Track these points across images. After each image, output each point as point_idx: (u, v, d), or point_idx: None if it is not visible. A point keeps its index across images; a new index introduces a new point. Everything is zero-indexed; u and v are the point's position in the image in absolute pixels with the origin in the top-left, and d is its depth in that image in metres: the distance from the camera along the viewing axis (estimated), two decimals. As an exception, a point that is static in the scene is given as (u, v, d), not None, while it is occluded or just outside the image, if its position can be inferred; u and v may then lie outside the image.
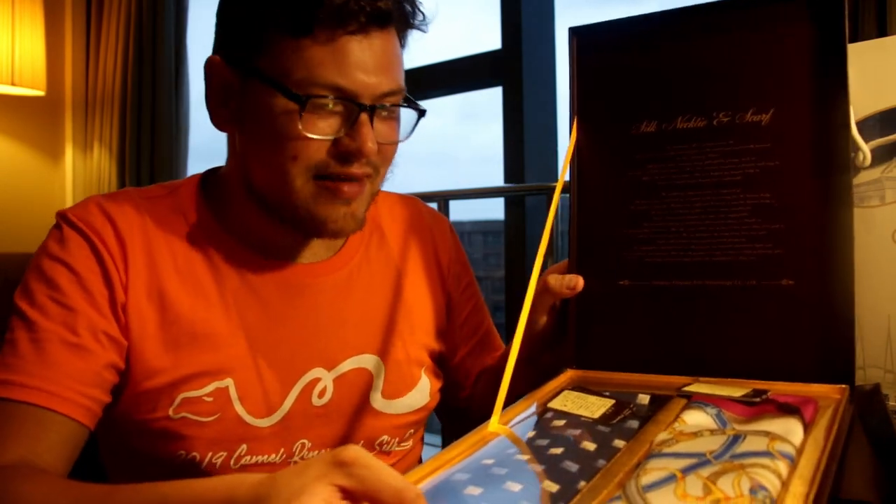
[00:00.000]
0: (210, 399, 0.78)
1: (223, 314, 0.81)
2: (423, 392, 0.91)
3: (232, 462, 0.80)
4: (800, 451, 0.53)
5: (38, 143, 2.74)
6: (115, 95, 2.55)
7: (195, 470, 0.79)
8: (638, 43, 0.80)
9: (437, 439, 1.86)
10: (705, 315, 0.74)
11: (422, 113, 0.83)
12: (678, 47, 0.78)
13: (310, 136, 0.74)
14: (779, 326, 0.71)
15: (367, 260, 0.92)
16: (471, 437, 0.60)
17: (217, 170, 0.89)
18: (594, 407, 0.66)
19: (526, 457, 0.57)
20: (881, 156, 0.77)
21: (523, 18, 1.95)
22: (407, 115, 0.83)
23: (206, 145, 2.77)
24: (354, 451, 0.47)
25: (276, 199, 0.79)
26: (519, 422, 0.65)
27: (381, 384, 0.88)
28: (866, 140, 0.76)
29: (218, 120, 0.82)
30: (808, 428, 0.57)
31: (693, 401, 0.64)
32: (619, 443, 0.58)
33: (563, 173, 0.82)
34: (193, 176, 0.89)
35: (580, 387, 0.72)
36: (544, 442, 0.59)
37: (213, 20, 0.83)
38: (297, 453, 0.83)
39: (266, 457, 0.81)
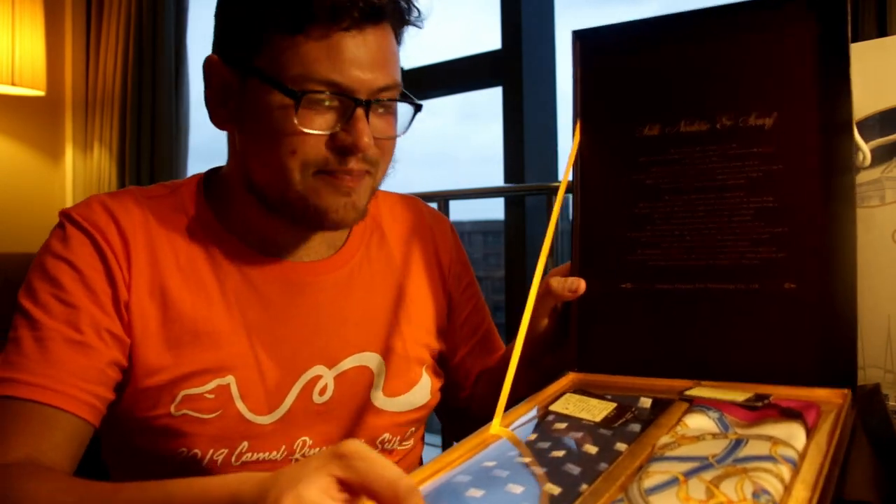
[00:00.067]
0: (211, 396, 0.78)
1: (225, 312, 0.81)
2: (423, 390, 0.91)
3: (233, 459, 0.80)
4: (802, 455, 0.53)
5: (38, 143, 2.74)
6: (115, 95, 2.55)
7: (196, 467, 0.79)
8: (641, 46, 0.80)
9: (438, 439, 1.87)
10: (708, 318, 0.74)
11: (418, 107, 0.83)
12: (681, 50, 0.78)
13: (306, 131, 0.75)
14: (781, 330, 0.70)
15: (367, 259, 0.92)
16: (472, 439, 0.60)
17: (218, 169, 0.90)
18: (596, 410, 0.66)
19: (527, 459, 0.57)
20: (881, 156, 0.77)
21: (523, 18, 1.96)
22: (405, 110, 0.84)
23: (206, 145, 2.77)
24: (354, 445, 0.48)
25: (277, 194, 0.79)
26: (520, 424, 0.64)
27: (381, 382, 0.88)
28: (866, 140, 0.76)
29: (217, 119, 0.83)
30: (810, 432, 0.57)
31: (695, 404, 0.64)
32: (620, 446, 0.58)
33: (566, 176, 0.82)
34: (195, 175, 0.89)
35: (582, 390, 0.72)
36: (546, 445, 0.59)
37: (212, 20, 0.83)
38: (298, 450, 0.83)
39: (267, 454, 0.81)
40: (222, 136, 0.87)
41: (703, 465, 0.51)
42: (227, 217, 0.85)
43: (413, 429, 0.92)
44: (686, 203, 0.76)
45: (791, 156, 0.72)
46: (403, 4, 0.80)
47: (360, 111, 0.76)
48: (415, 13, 0.82)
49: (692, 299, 0.75)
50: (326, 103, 0.76)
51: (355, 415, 0.86)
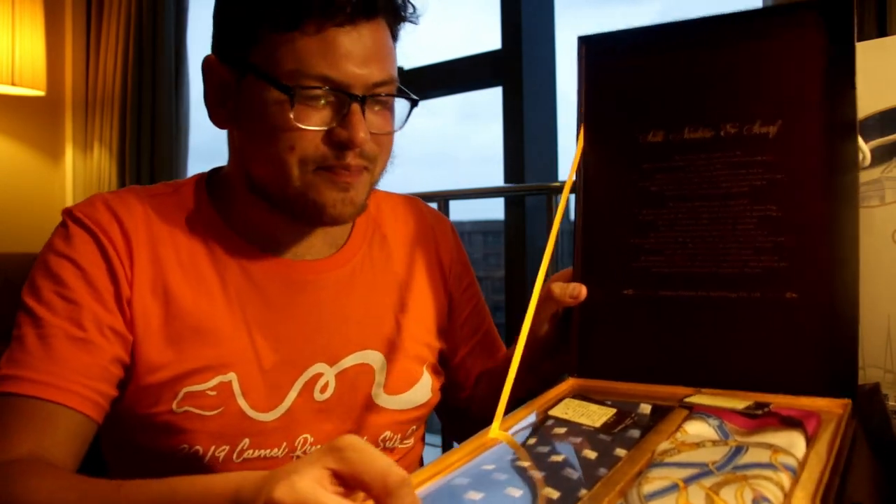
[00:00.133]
0: (213, 393, 0.79)
1: (226, 309, 0.82)
2: (424, 388, 0.92)
3: (234, 456, 0.80)
4: (802, 463, 0.53)
5: (38, 143, 2.75)
6: (115, 95, 2.55)
7: (198, 464, 0.79)
8: (646, 52, 0.80)
9: (438, 439, 1.87)
10: (709, 326, 0.74)
11: (415, 102, 0.84)
12: (686, 58, 0.78)
13: (302, 126, 0.75)
14: (782, 339, 0.70)
15: (369, 258, 0.93)
16: (471, 442, 0.60)
17: (220, 169, 0.90)
18: (595, 415, 0.66)
19: (526, 463, 0.57)
20: (881, 156, 0.77)
21: (523, 18, 1.96)
22: (402, 105, 0.84)
23: (206, 145, 2.77)
24: (349, 438, 0.48)
25: (277, 191, 0.80)
26: (520, 429, 0.64)
27: (383, 380, 0.88)
28: (866, 140, 0.76)
29: (217, 118, 0.83)
30: (810, 441, 0.57)
31: (695, 412, 0.64)
32: (620, 452, 0.58)
33: (569, 182, 0.81)
34: (198, 175, 0.90)
35: (582, 395, 0.71)
36: (545, 449, 0.59)
37: (212, 20, 0.83)
38: (299, 448, 0.83)
39: (268, 451, 0.82)
40: (222, 135, 0.87)
41: (703, 471, 0.51)
42: (228, 215, 0.86)
43: (414, 427, 0.92)
44: (690, 210, 0.75)
45: (795, 165, 0.72)
46: (398, 0, 0.81)
47: (355, 106, 0.76)
48: (410, 9, 0.83)
49: (694, 307, 0.74)
50: (322, 99, 0.76)
51: (357, 412, 0.87)
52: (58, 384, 0.73)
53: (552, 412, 0.67)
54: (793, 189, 0.71)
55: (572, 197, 0.83)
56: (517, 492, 0.51)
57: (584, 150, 0.82)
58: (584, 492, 0.51)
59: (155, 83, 2.48)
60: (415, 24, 0.84)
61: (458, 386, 1.01)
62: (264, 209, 0.83)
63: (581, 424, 0.64)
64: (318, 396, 0.84)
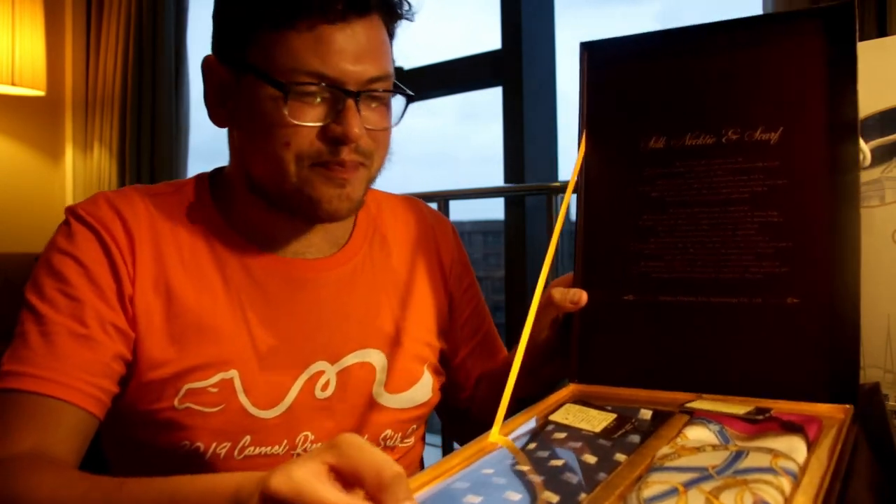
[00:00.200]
0: (215, 390, 0.79)
1: (228, 307, 0.82)
2: (425, 388, 0.92)
3: (236, 453, 0.80)
4: (803, 469, 0.53)
5: (38, 143, 2.75)
6: (115, 95, 2.55)
7: (199, 461, 0.79)
8: (648, 59, 0.80)
9: (438, 439, 1.87)
10: (710, 332, 0.74)
11: (410, 98, 0.84)
12: (688, 64, 0.78)
13: (296, 123, 0.76)
14: (783, 345, 0.70)
15: (370, 258, 0.93)
16: (471, 447, 0.60)
17: (222, 169, 0.91)
18: (596, 421, 0.65)
19: (526, 468, 0.57)
20: (881, 156, 0.77)
21: (523, 18, 1.96)
22: (400, 102, 0.85)
23: (206, 145, 2.77)
24: (347, 435, 0.48)
25: (274, 188, 0.81)
26: (520, 434, 0.64)
27: (384, 378, 0.88)
28: (866, 140, 0.76)
29: (216, 118, 0.84)
30: (811, 446, 0.57)
31: (695, 417, 0.64)
32: (620, 456, 0.58)
33: (570, 187, 0.81)
34: (200, 174, 0.91)
35: (582, 401, 0.71)
36: (545, 454, 0.59)
37: (212, 20, 0.84)
38: (300, 445, 0.83)
39: (269, 448, 0.82)
40: (222, 135, 0.88)
41: (703, 476, 0.51)
42: (230, 214, 0.86)
43: (414, 426, 0.93)
44: (690, 216, 0.76)
45: (796, 171, 0.72)
46: None
47: (349, 102, 0.77)
48: (405, 6, 0.84)
49: (695, 312, 0.74)
50: (317, 96, 0.77)
51: (357, 410, 0.87)
52: (60, 380, 0.74)
53: (552, 417, 0.67)
54: (794, 195, 0.71)
55: (572, 201, 0.83)
56: (516, 496, 0.51)
57: (586, 155, 0.82)
58: (583, 496, 0.51)
59: (155, 83, 2.48)
60: (410, 21, 0.85)
61: (458, 387, 1.01)
62: (264, 208, 0.84)
63: (581, 429, 0.64)
64: (319, 394, 0.85)
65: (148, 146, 2.50)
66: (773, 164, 0.73)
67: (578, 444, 0.61)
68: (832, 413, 0.65)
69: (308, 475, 0.46)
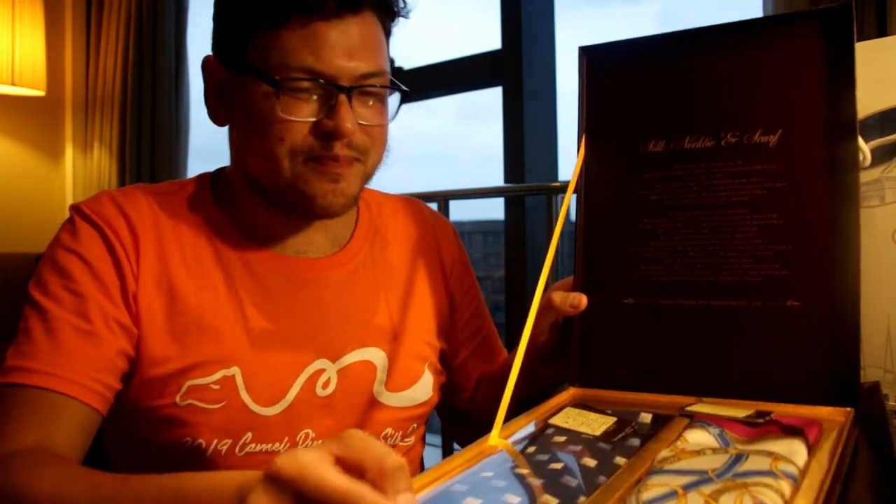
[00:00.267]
0: (217, 387, 0.80)
1: (230, 304, 0.83)
2: (425, 387, 0.92)
3: (237, 450, 0.81)
4: (803, 472, 0.52)
5: (38, 143, 2.75)
6: (115, 96, 2.55)
7: (200, 457, 0.80)
8: (647, 62, 0.80)
9: (438, 439, 1.87)
10: (710, 335, 0.74)
11: (405, 94, 0.85)
12: (687, 67, 0.78)
13: (289, 118, 0.77)
14: (784, 348, 0.70)
15: (371, 257, 0.94)
16: (470, 450, 0.60)
17: (224, 169, 0.92)
18: (595, 424, 0.65)
19: (525, 471, 0.57)
20: (881, 156, 0.77)
21: (523, 18, 1.96)
22: (397, 99, 0.86)
23: (206, 145, 2.77)
24: (354, 430, 0.49)
25: (270, 183, 0.82)
26: (519, 437, 0.64)
27: (384, 377, 0.89)
28: (866, 140, 0.76)
29: (216, 117, 0.85)
30: (811, 449, 0.56)
31: (695, 420, 0.63)
32: (619, 460, 0.58)
33: (570, 191, 0.81)
34: (203, 174, 0.92)
35: (582, 404, 0.71)
36: (544, 457, 0.59)
37: (212, 20, 0.85)
38: (301, 443, 0.84)
39: (271, 445, 0.82)
40: (222, 135, 0.89)
41: (703, 478, 0.51)
42: (232, 213, 0.87)
43: (415, 425, 0.93)
44: (690, 219, 0.75)
45: (795, 174, 0.72)
46: None
47: (342, 97, 0.77)
48: (399, 3, 0.84)
49: (695, 315, 0.74)
50: (310, 92, 0.78)
51: (358, 408, 0.87)
52: (64, 375, 0.74)
53: (552, 421, 0.67)
54: (793, 197, 0.71)
55: (572, 204, 0.83)
56: (515, 499, 0.51)
57: (585, 158, 0.82)
58: (582, 499, 0.51)
59: (155, 83, 2.48)
60: (405, 18, 0.86)
61: (458, 388, 1.02)
62: (263, 206, 0.85)
63: (581, 433, 0.64)
64: (319, 392, 0.85)
65: (148, 146, 2.50)
66: (773, 166, 0.73)
67: (578, 448, 0.61)
68: (833, 416, 0.65)
69: (314, 459, 0.46)
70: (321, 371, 0.85)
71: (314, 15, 0.76)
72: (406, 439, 0.92)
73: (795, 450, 0.55)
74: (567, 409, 0.70)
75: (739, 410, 0.66)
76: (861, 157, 0.76)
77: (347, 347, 0.87)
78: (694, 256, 0.75)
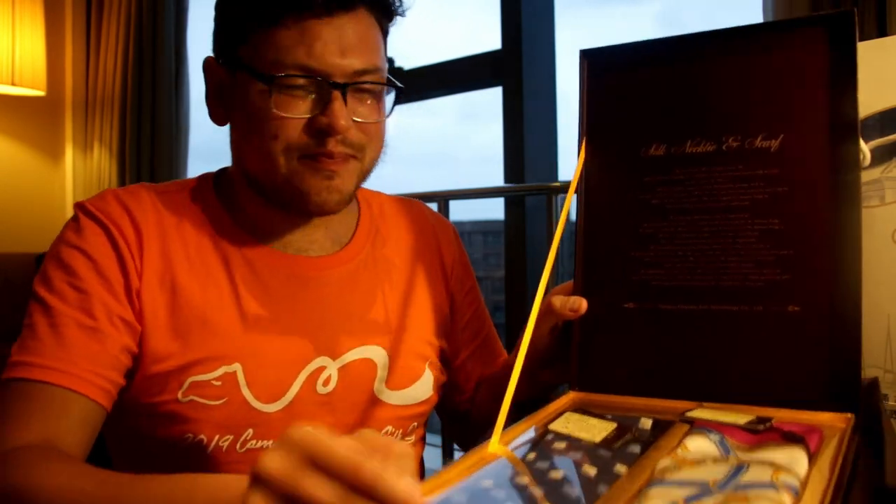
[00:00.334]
0: (218, 383, 0.80)
1: (232, 302, 0.83)
2: (426, 385, 0.93)
3: (238, 446, 0.81)
4: (804, 482, 0.52)
5: (38, 143, 2.75)
6: (115, 96, 2.56)
7: (202, 454, 0.80)
8: (648, 66, 0.80)
9: (438, 439, 1.87)
10: (710, 340, 0.73)
11: (401, 91, 0.85)
12: (689, 72, 0.78)
13: (283, 115, 0.78)
14: (784, 353, 0.70)
15: (372, 257, 0.94)
16: (470, 457, 0.60)
17: (226, 169, 0.93)
18: (596, 430, 0.65)
19: (525, 480, 0.57)
20: (881, 156, 0.77)
21: (523, 18, 1.96)
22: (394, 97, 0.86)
23: (206, 145, 2.77)
24: (366, 430, 0.49)
25: (266, 181, 0.82)
26: (519, 443, 0.63)
27: (385, 375, 0.89)
28: (866, 140, 0.76)
29: (216, 116, 0.86)
30: (812, 458, 0.56)
31: (696, 426, 0.63)
32: (620, 468, 0.57)
33: (570, 196, 0.81)
34: (205, 174, 0.93)
35: (582, 409, 0.71)
36: (544, 465, 0.59)
37: (212, 21, 0.86)
38: None
39: (271, 442, 0.82)
40: (222, 135, 0.89)
41: (704, 490, 0.51)
42: (234, 212, 0.88)
43: (415, 424, 0.93)
44: (691, 223, 0.75)
45: (796, 179, 0.71)
46: None
47: (336, 93, 0.78)
48: (395, 0, 0.85)
49: (695, 320, 0.74)
50: (304, 89, 0.78)
51: (358, 406, 0.87)
52: (69, 370, 0.75)
53: (552, 426, 0.66)
54: (795, 202, 0.71)
55: (572, 207, 0.83)
56: None
57: (586, 162, 0.82)
58: None
59: (155, 83, 2.48)
60: (401, 16, 0.86)
61: (458, 389, 1.02)
62: (262, 204, 0.86)
63: (581, 439, 0.63)
64: (320, 389, 0.85)
65: (148, 146, 2.50)
66: (774, 171, 0.72)
67: (578, 455, 0.60)
68: (833, 422, 0.64)
69: (325, 432, 0.46)
70: (322, 368, 0.86)
71: (307, 13, 0.77)
72: (406, 438, 0.93)
73: (796, 458, 0.55)
74: (567, 414, 0.69)
75: (740, 416, 0.65)
76: (861, 158, 0.76)
77: (348, 345, 0.88)
78: (695, 261, 0.75)
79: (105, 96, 2.61)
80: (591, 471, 0.57)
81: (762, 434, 0.61)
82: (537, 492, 0.54)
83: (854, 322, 0.67)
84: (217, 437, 0.80)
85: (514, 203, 1.94)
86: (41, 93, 2.50)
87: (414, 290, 0.96)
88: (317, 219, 0.89)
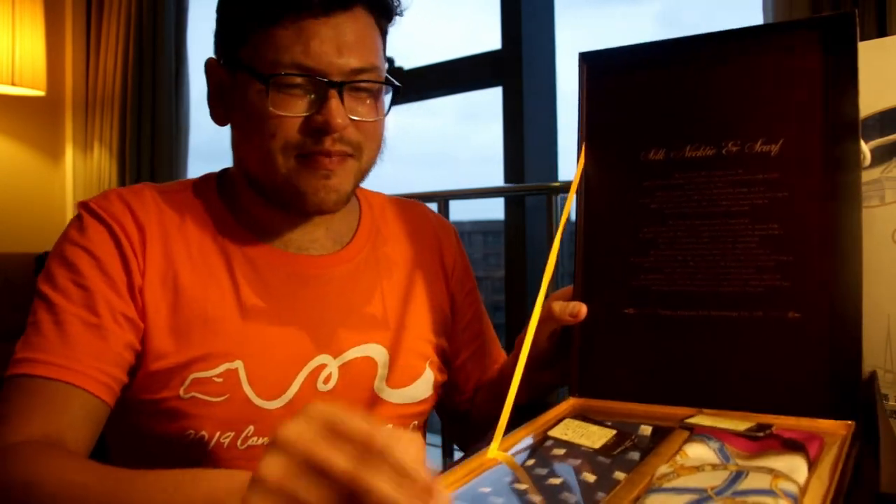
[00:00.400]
0: (220, 380, 0.80)
1: (234, 300, 0.84)
2: (426, 384, 0.93)
3: (239, 442, 0.81)
4: (804, 489, 0.52)
5: (38, 143, 2.75)
6: (115, 96, 2.55)
7: (203, 450, 0.80)
8: (648, 69, 0.80)
9: (438, 439, 1.87)
10: (710, 346, 0.73)
11: (399, 90, 0.86)
12: (688, 75, 0.77)
13: (280, 113, 0.78)
14: (784, 359, 0.69)
15: (373, 256, 0.95)
16: (469, 462, 0.60)
17: (229, 169, 0.94)
18: (595, 437, 0.65)
19: (523, 486, 0.57)
20: (881, 156, 0.77)
21: (523, 18, 1.96)
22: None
23: (206, 145, 2.78)
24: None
25: (266, 181, 0.83)
26: (519, 449, 0.63)
27: (385, 373, 0.90)
28: (866, 140, 0.76)
29: (217, 117, 0.87)
30: (812, 465, 0.56)
31: (695, 433, 0.63)
32: (619, 475, 0.57)
33: (570, 200, 0.81)
34: (208, 174, 0.93)
35: (582, 415, 0.71)
36: (543, 471, 0.59)
37: (212, 21, 0.87)
38: None
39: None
40: (222, 136, 0.90)
41: (702, 497, 0.51)
42: (236, 212, 0.88)
43: (415, 423, 0.94)
44: (690, 228, 0.75)
45: (796, 184, 0.71)
46: None
47: (332, 92, 0.78)
48: (394, 1, 0.85)
49: (695, 326, 0.74)
50: (303, 89, 0.79)
51: (359, 404, 0.88)
52: (73, 367, 0.75)
53: (552, 433, 0.66)
54: (795, 207, 0.71)
55: (572, 210, 0.82)
56: None
57: (585, 166, 0.82)
58: None
59: (155, 83, 2.48)
60: (399, 15, 0.87)
61: (457, 389, 1.02)
62: (263, 204, 0.87)
63: (580, 446, 0.63)
64: (321, 387, 0.85)
65: (148, 146, 2.50)
66: (774, 175, 0.72)
67: (577, 461, 0.60)
68: (834, 429, 0.64)
69: (346, 410, 0.46)
70: (323, 366, 0.86)
71: (305, 13, 0.77)
72: None
73: (796, 466, 0.55)
74: (567, 421, 0.69)
75: (740, 423, 0.65)
76: (861, 158, 0.75)
77: (349, 343, 0.88)
78: (694, 266, 0.75)
79: (105, 96, 2.61)
80: (589, 477, 0.57)
81: (762, 441, 0.61)
82: (536, 498, 0.54)
83: (854, 328, 0.67)
84: (218, 434, 0.80)
85: (514, 203, 1.94)
86: (41, 93, 2.50)
87: (414, 288, 0.96)
88: (317, 218, 0.89)
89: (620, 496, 0.53)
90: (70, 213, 2.79)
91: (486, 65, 2.04)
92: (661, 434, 0.65)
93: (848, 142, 0.70)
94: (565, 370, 0.81)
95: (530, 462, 0.61)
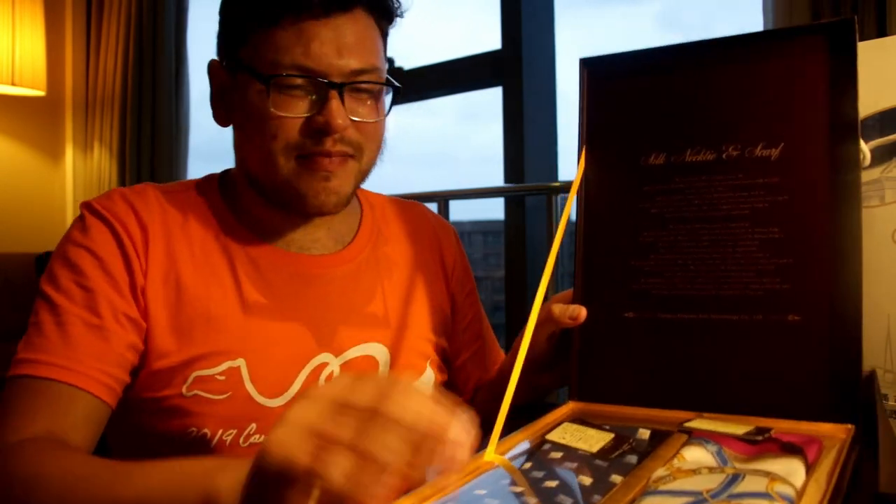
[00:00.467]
0: (222, 378, 0.81)
1: (236, 298, 0.84)
2: (427, 383, 0.93)
3: (241, 440, 0.82)
4: (801, 493, 0.52)
5: (38, 143, 2.75)
6: (116, 96, 2.56)
7: (205, 448, 0.81)
8: (648, 75, 0.80)
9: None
10: (710, 349, 0.73)
11: (399, 91, 0.86)
12: (688, 80, 0.78)
13: (280, 114, 0.79)
14: (784, 363, 0.69)
15: (374, 256, 0.95)
16: (466, 465, 0.60)
17: (231, 170, 0.94)
18: (593, 441, 0.65)
19: (520, 489, 0.56)
20: (881, 156, 0.77)
21: (523, 18, 1.96)
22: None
23: (206, 145, 2.78)
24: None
25: (267, 182, 0.83)
26: (516, 453, 0.63)
27: (386, 372, 0.90)
28: (866, 140, 0.76)
29: (218, 118, 0.87)
30: (810, 469, 0.56)
31: (694, 437, 0.63)
32: (615, 478, 0.57)
33: (569, 203, 0.81)
34: (210, 174, 0.94)
35: (580, 419, 0.71)
36: (540, 474, 0.59)
37: (212, 21, 0.87)
38: None
39: None
40: (222, 136, 0.90)
41: (698, 500, 0.50)
42: (238, 212, 0.89)
43: None
44: (690, 232, 0.75)
45: (797, 188, 0.71)
46: None
47: (332, 93, 0.79)
48: (393, 1, 0.86)
49: (695, 330, 0.74)
50: (301, 89, 0.79)
51: None
52: (75, 368, 0.75)
53: (549, 436, 0.66)
54: (795, 211, 0.71)
55: (572, 212, 0.82)
56: None
57: (585, 170, 0.82)
58: None
59: (155, 83, 2.48)
60: (399, 17, 0.87)
61: (456, 390, 1.03)
62: (264, 204, 0.87)
63: (578, 449, 0.63)
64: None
65: (148, 146, 2.50)
66: (774, 179, 0.72)
67: (574, 465, 0.60)
68: (833, 433, 0.64)
69: (347, 378, 0.48)
70: (324, 364, 0.86)
71: (305, 14, 0.78)
72: None
73: (794, 469, 0.55)
74: (565, 425, 0.69)
75: (739, 426, 0.65)
76: (861, 158, 0.76)
77: (350, 342, 0.88)
78: (695, 270, 0.75)
79: (105, 96, 2.61)
80: (586, 480, 0.57)
81: (760, 445, 0.61)
82: (532, 501, 0.54)
83: (854, 329, 0.67)
84: (220, 432, 0.81)
85: (514, 203, 1.94)
86: (41, 93, 2.50)
87: (415, 288, 0.96)
88: (319, 219, 0.89)
89: (616, 499, 0.53)
90: (70, 213, 2.79)
91: (486, 65, 2.04)
92: (659, 438, 0.64)
93: (847, 138, 0.70)
94: (564, 373, 0.80)
95: (527, 465, 0.61)
